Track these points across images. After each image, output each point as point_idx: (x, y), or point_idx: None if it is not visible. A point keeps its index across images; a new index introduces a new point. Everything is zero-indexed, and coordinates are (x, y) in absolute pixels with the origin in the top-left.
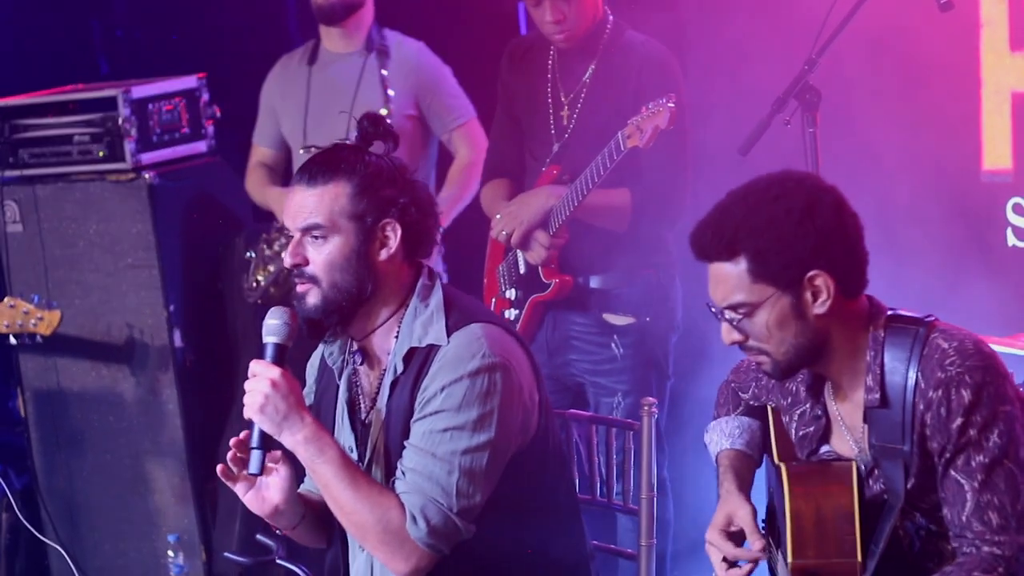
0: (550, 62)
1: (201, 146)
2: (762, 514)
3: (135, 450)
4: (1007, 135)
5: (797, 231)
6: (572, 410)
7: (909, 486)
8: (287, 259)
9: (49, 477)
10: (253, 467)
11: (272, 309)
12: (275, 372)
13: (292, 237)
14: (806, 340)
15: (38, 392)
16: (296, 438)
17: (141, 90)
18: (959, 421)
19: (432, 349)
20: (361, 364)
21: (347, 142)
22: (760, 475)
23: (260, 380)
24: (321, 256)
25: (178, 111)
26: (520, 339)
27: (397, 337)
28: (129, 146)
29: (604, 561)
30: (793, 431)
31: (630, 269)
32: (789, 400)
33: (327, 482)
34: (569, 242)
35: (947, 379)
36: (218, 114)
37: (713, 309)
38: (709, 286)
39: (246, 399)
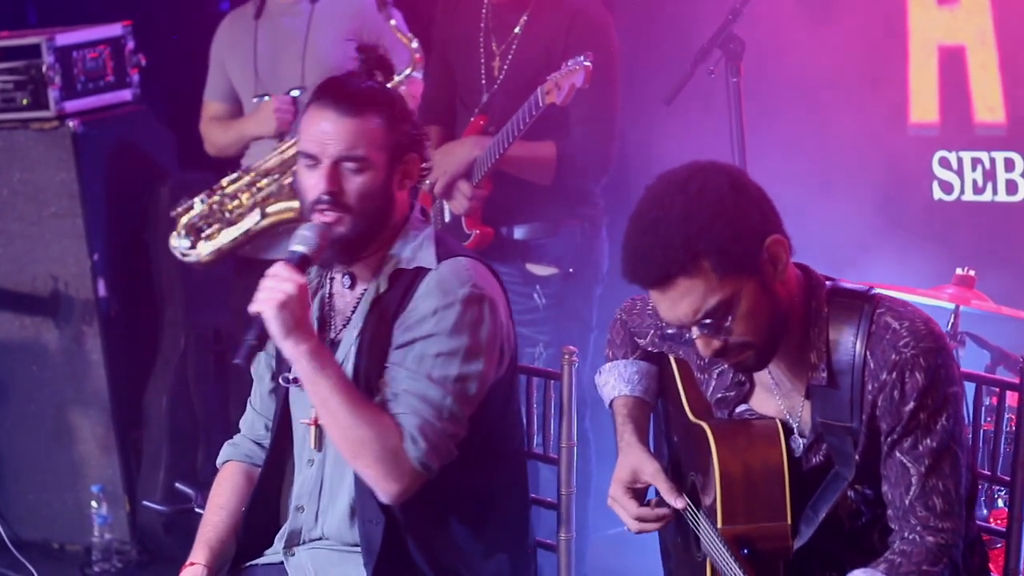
0: (484, 11)
1: (126, 94)
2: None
3: (59, 400)
4: (934, 88)
5: (739, 210)
6: None
7: (857, 460)
8: (321, 185)
9: None
10: (241, 358)
11: (307, 223)
12: (301, 278)
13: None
14: (778, 316)
15: None
16: (300, 348)
17: (65, 37)
18: (911, 404)
19: (419, 272)
20: (349, 286)
21: (357, 73)
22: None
23: (285, 281)
24: (356, 186)
25: (103, 59)
26: (501, 282)
27: (383, 260)
28: (53, 94)
29: None
30: (711, 390)
31: (554, 220)
32: (706, 360)
33: (326, 397)
34: (493, 193)
35: (901, 361)
36: (143, 62)
37: (671, 331)
38: (666, 310)
39: (263, 294)
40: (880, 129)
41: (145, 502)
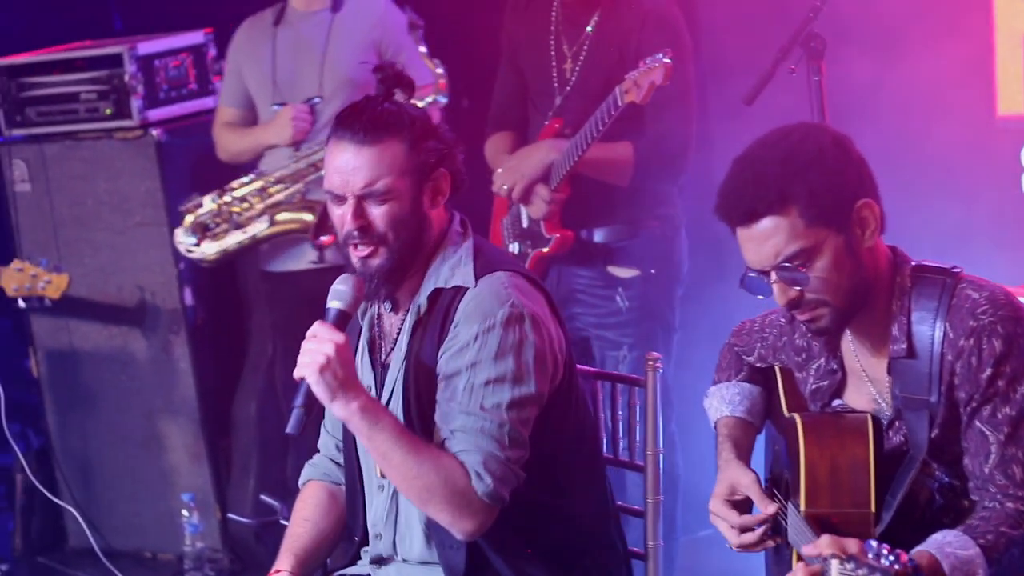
0: (553, 13)
1: (208, 102)
2: (762, 474)
3: (148, 409)
4: (1021, 80)
5: (838, 165)
6: (577, 365)
7: (933, 436)
8: (349, 223)
9: (63, 437)
10: (292, 427)
11: (342, 276)
12: (340, 336)
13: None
14: (860, 280)
15: (51, 352)
16: (351, 407)
17: (147, 46)
18: (989, 371)
19: (458, 291)
20: (390, 310)
21: (376, 95)
22: (760, 441)
23: (324, 342)
24: (387, 216)
25: (185, 67)
26: (544, 290)
27: (422, 279)
28: (136, 103)
29: None
30: (808, 385)
31: (634, 222)
32: (803, 356)
33: (386, 451)
34: (571, 196)
35: (979, 328)
36: (225, 70)
37: (753, 274)
38: (750, 251)
39: (303, 359)
40: (967, 122)
41: (231, 515)
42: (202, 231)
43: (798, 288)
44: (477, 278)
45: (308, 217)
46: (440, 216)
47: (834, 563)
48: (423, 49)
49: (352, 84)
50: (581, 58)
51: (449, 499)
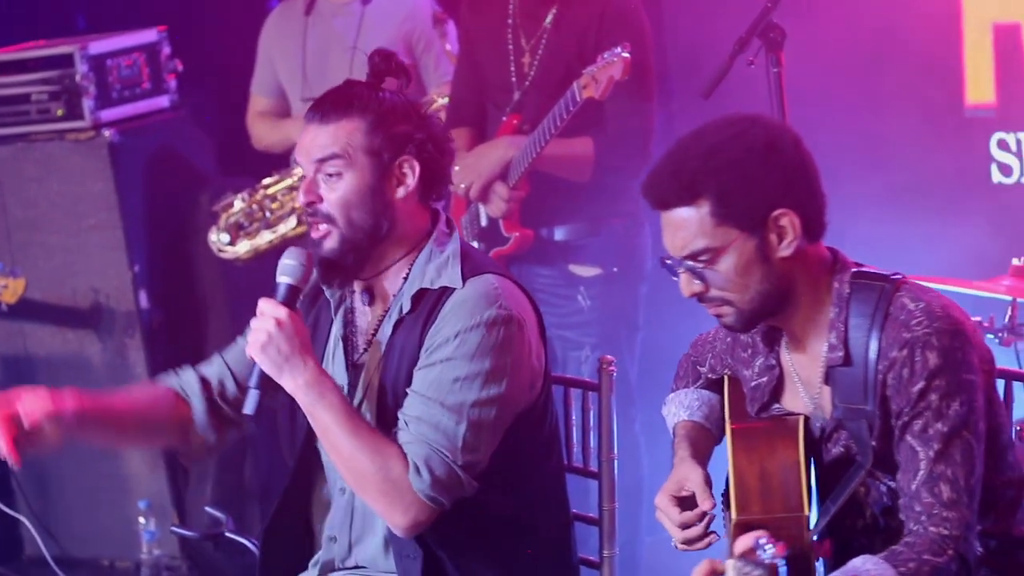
0: (511, 6)
1: (163, 101)
2: (721, 486)
3: None
4: (990, 68)
5: (761, 168)
6: None
7: (874, 445)
8: (301, 196)
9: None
10: (248, 407)
11: (289, 249)
12: (282, 312)
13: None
14: (771, 286)
15: (5, 358)
16: (297, 382)
17: (99, 46)
18: (921, 384)
19: (444, 292)
20: (366, 304)
21: (359, 80)
22: (720, 452)
23: (266, 319)
24: (336, 193)
25: (138, 66)
26: (532, 299)
27: (406, 278)
28: (88, 103)
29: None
30: (751, 382)
31: (595, 219)
32: (749, 352)
33: (326, 427)
34: (531, 194)
35: (912, 339)
36: (180, 68)
37: (668, 261)
38: (665, 236)
39: (249, 336)
40: (935, 112)
41: (172, 528)
42: (236, 230)
43: (699, 283)
44: (465, 279)
45: None
46: (415, 210)
47: (730, 563)
48: (448, 47)
49: None
50: (539, 52)
51: (381, 488)
